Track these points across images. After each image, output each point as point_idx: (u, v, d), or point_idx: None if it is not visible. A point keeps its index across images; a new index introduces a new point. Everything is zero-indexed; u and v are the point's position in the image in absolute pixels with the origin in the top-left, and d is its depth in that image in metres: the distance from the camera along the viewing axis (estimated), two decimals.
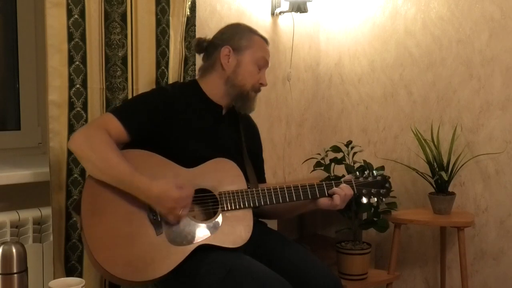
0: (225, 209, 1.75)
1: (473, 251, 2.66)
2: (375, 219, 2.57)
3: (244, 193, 1.78)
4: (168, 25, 2.13)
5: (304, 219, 3.17)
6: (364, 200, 1.91)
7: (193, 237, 1.68)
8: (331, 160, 2.54)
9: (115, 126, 1.73)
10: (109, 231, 1.63)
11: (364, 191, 1.89)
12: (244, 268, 1.63)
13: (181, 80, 2.21)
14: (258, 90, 1.96)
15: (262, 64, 1.93)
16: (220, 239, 1.70)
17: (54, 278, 1.87)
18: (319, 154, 2.60)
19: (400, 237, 2.61)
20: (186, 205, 1.66)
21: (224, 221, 1.74)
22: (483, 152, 2.61)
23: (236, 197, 1.77)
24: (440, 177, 2.49)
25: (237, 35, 1.91)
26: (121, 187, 1.66)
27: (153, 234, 1.66)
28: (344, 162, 2.52)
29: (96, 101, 1.99)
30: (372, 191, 1.90)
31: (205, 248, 1.68)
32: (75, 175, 1.94)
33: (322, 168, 2.55)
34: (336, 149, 2.57)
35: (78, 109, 1.95)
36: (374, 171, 1.97)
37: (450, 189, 2.55)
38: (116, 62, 2.03)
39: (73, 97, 1.94)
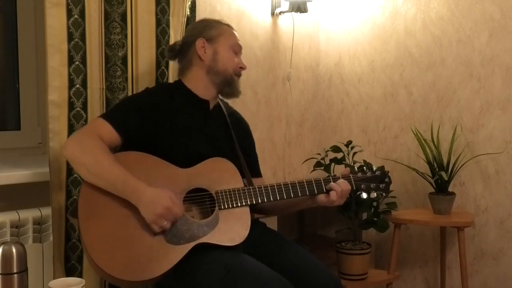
0: (222, 207, 1.75)
1: (473, 251, 2.66)
2: (375, 219, 2.57)
3: (241, 191, 1.79)
4: (168, 25, 2.13)
5: (304, 219, 3.17)
6: (364, 195, 1.89)
7: (191, 236, 1.68)
8: (331, 160, 2.54)
9: (107, 130, 1.75)
10: (107, 233, 1.64)
11: (363, 186, 1.88)
12: (244, 267, 1.63)
13: None
14: (239, 74, 2.00)
15: (237, 49, 1.97)
16: (218, 237, 1.70)
17: (54, 278, 1.87)
18: (319, 154, 2.60)
19: (400, 237, 2.61)
20: (172, 218, 1.66)
21: (222, 220, 1.74)
22: (483, 152, 2.61)
23: (233, 195, 1.77)
24: (440, 177, 2.49)
25: (206, 27, 1.96)
26: (114, 190, 1.66)
27: (150, 235, 1.66)
28: (344, 162, 2.52)
29: (96, 101, 1.99)
30: (372, 186, 1.89)
31: (204, 247, 1.69)
32: (75, 175, 1.94)
33: (322, 168, 2.55)
34: (336, 149, 2.58)
35: (78, 109, 1.96)
36: (373, 166, 1.95)
37: (450, 189, 2.55)
38: (116, 62, 2.03)
39: (73, 97, 1.94)
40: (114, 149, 1.79)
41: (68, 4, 1.90)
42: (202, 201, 1.78)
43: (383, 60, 2.95)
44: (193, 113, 1.91)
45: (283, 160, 3.02)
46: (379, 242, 2.99)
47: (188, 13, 2.23)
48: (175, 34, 2.16)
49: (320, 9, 3.15)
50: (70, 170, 1.93)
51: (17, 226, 1.94)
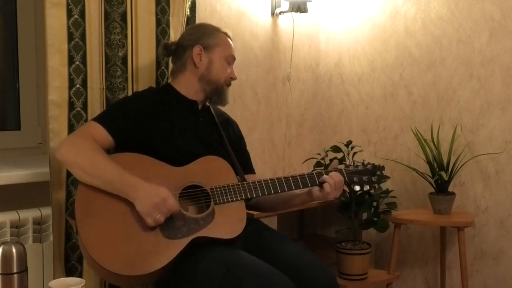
0: (218, 202, 1.77)
1: (473, 251, 2.66)
2: (375, 219, 2.57)
3: (236, 186, 1.81)
4: (168, 25, 2.14)
5: (304, 219, 3.17)
6: (357, 187, 1.91)
7: (188, 231, 1.70)
8: (331, 160, 2.53)
9: (100, 132, 1.77)
10: (104, 231, 1.65)
11: (355, 178, 1.90)
12: (244, 264, 1.64)
13: None
14: (229, 84, 2.02)
15: (231, 60, 2.01)
16: (215, 231, 1.72)
17: (54, 278, 1.87)
18: (319, 154, 2.60)
19: (400, 237, 2.61)
20: (166, 211, 1.66)
21: (218, 214, 1.76)
22: (483, 152, 2.61)
23: (227, 191, 1.79)
24: (440, 177, 2.49)
25: (205, 34, 1.98)
26: (112, 189, 1.67)
27: (147, 230, 1.67)
28: (344, 162, 2.51)
29: (96, 101, 2.00)
30: (364, 179, 1.91)
31: (202, 244, 1.70)
32: None
33: (322, 168, 2.55)
34: (336, 149, 2.57)
35: (78, 109, 1.96)
36: (365, 161, 1.96)
37: (450, 189, 2.55)
38: (116, 62, 2.03)
39: (73, 97, 1.94)
40: (108, 152, 1.81)
41: (68, 4, 1.90)
42: (198, 197, 1.79)
43: (383, 60, 2.95)
44: (184, 113, 1.94)
45: (283, 160, 3.02)
46: (379, 242, 2.99)
47: (188, 13, 2.23)
48: (175, 34, 2.16)
49: (320, 9, 3.15)
50: None
51: (17, 226, 1.94)
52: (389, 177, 2.51)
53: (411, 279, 2.91)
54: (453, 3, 2.68)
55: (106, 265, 1.60)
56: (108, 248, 1.62)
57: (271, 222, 2.35)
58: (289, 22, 2.96)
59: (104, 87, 2.02)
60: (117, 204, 1.68)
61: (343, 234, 2.69)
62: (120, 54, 2.03)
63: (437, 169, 2.53)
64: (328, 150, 2.59)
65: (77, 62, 1.94)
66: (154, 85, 2.11)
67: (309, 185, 1.87)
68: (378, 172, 1.94)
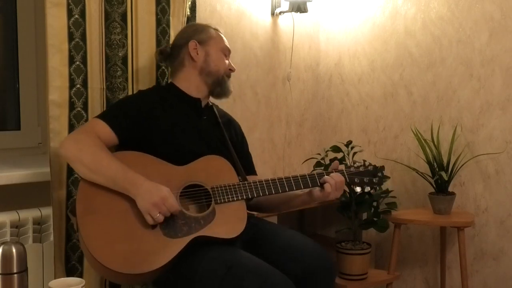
0: (218, 202, 1.77)
1: (473, 251, 2.67)
2: (375, 219, 2.57)
3: (236, 186, 1.82)
4: (168, 25, 2.14)
5: (304, 219, 3.18)
6: (358, 189, 1.92)
7: (188, 230, 1.70)
8: (331, 160, 2.53)
9: (104, 129, 1.78)
10: (105, 228, 1.65)
11: (356, 179, 1.91)
12: (245, 264, 1.64)
13: None
14: (229, 76, 2.05)
15: (227, 52, 2.04)
16: (215, 230, 1.72)
17: (54, 278, 1.87)
18: (319, 154, 2.60)
19: (400, 237, 2.61)
20: (165, 210, 1.66)
21: (218, 214, 1.76)
22: (483, 152, 2.61)
23: (228, 190, 1.80)
24: (440, 177, 2.49)
25: (197, 30, 2.02)
26: (114, 186, 1.68)
27: (148, 229, 1.67)
28: (344, 162, 2.52)
29: (96, 101, 2.00)
30: (365, 180, 1.92)
31: (202, 244, 1.70)
32: (76, 175, 1.94)
33: (322, 168, 2.55)
34: (336, 149, 2.58)
35: (79, 109, 1.96)
36: (366, 162, 1.97)
37: (450, 189, 2.55)
38: (117, 62, 2.03)
39: (73, 97, 1.94)
40: (111, 149, 1.80)
41: (68, 4, 1.90)
42: (198, 196, 1.80)
43: (383, 60, 2.95)
44: (187, 111, 1.95)
45: (283, 160, 3.02)
46: (379, 242, 2.99)
47: (188, 13, 2.23)
48: (175, 34, 2.15)
49: (320, 9, 3.15)
50: (70, 170, 1.93)
51: (17, 226, 1.94)
52: (389, 177, 2.51)
53: (411, 279, 2.91)
54: (453, 3, 2.68)
55: (106, 263, 1.60)
56: (109, 246, 1.62)
57: (271, 221, 2.35)
58: (289, 22, 2.96)
59: (105, 87, 2.02)
60: (118, 202, 1.68)
61: (343, 234, 2.69)
62: (120, 54, 2.03)
63: (437, 169, 2.53)
64: (328, 150, 2.59)
65: (77, 62, 1.94)
66: (154, 85, 2.11)
67: (310, 185, 1.87)
68: (379, 174, 1.94)
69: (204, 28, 2.04)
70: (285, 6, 2.85)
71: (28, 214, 1.96)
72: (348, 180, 1.90)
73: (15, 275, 1.50)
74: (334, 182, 1.84)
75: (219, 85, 2.00)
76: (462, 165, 2.57)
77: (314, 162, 2.59)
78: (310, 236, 3.09)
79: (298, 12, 2.82)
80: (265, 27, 2.86)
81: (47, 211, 1.97)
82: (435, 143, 2.58)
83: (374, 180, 1.93)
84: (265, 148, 2.92)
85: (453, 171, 2.53)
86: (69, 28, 1.91)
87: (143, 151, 1.80)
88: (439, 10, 2.73)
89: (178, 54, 2.00)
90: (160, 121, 1.86)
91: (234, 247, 1.74)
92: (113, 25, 2.01)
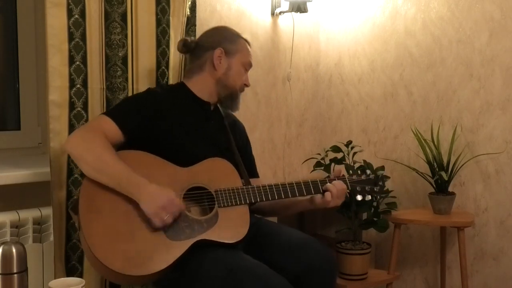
0: (221, 205, 1.77)
1: (473, 251, 2.66)
2: (375, 219, 2.57)
3: (240, 190, 1.81)
4: (168, 25, 2.13)
5: (304, 219, 3.17)
6: (359, 197, 1.93)
7: (191, 233, 1.70)
8: (331, 160, 2.54)
9: (111, 127, 1.77)
10: (107, 228, 1.65)
11: (358, 188, 1.93)
12: (246, 267, 1.64)
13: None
14: (242, 90, 2.04)
15: (248, 67, 2.03)
16: (218, 234, 1.72)
17: (54, 278, 1.87)
18: (319, 154, 2.60)
19: (400, 237, 2.61)
20: (173, 212, 1.67)
21: (221, 217, 1.75)
22: (483, 152, 2.61)
23: (231, 194, 1.79)
24: (440, 177, 2.49)
25: (227, 39, 1.99)
26: (117, 187, 1.67)
27: (151, 230, 1.67)
28: (344, 162, 2.52)
29: (96, 101, 2.00)
30: (366, 189, 1.93)
31: (204, 246, 1.69)
32: (76, 175, 1.94)
33: (322, 168, 2.55)
34: (336, 149, 2.58)
35: (79, 109, 1.96)
36: (367, 170, 1.98)
37: (450, 189, 2.55)
38: (117, 62, 2.03)
39: (73, 97, 1.94)
40: (116, 148, 1.80)
41: (68, 4, 1.90)
42: (201, 199, 1.79)
43: (383, 60, 2.95)
44: (195, 114, 1.94)
45: (283, 160, 3.02)
46: (379, 242, 2.99)
47: (188, 13, 2.23)
48: (175, 34, 2.16)
49: (320, 9, 3.15)
50: (70, 170, 1.94)
51: (17, 226, 1.94)
52: (389, 177, 2.51)
53: (411, 279, 2.91)
54: (453, 3, 2.68)
55: (108, 264, 1.59)
56: (110, 247, 1.62)
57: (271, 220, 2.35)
58: (289, 22, 2.96)
59: (105, 87, 2.02)
60: (121, 202, 1.68)
61: (343, 234, 2.69)
62: (120, 54, 2.03)
63: (437, 169, 2.53)
64: (328, 150, 2.59)
65: (77, 62, 1.94)
66: (154, 85, 2.11)
67: (313, 192, 1.88)
68: (381, 182, 1.96)
69: (234, 37, 2.00)
70: (285, 6, 2.85)
71: (28, 214, 1.96)
72: (349, 188, 1.91)
73: (15, 275, 1.50)
74: (336, 190, 1.85)
75: (230, 98, 1.99)
76: (462, 165, 2.57)
77: (314, 162, 2.59)
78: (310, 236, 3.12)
79: (298, 12, 2.82)
80: (265, 27, 2.86)
81: (47, 211, 1.97)
82: (435, 143, 2.58)
83: (375, 189, 1.94)
84: (265, 148, 2.92)
85: (453, 171, 2.53)
86: (69, 28, 1.91)
87: (148, 150, 1.79)
88: (439, 10, 2.73)
89: (201, 55, 1.98)
90: (167, 121, 1.85)
91: (236, 249, 1.74)
92: (113, 25, 2.01)
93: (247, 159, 2.07)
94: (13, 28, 2.27)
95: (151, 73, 2.12)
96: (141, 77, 2.10)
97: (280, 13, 2.89)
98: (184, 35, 2.20)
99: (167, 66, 2.15)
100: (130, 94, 2.07)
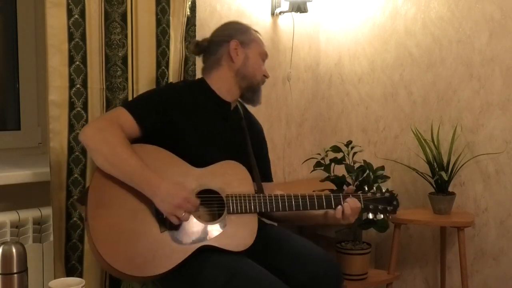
0: (231, 211, 1.74)
1: (473, 251, 2.66)
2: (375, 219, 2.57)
3: (251, 198, 1.78)
4: (168, 25, 2.13)
5: None
6: (370, 215, 1.90)
7: (197, 238, 1.68)
8: (331, 160, 2.53)
9: (128, 120, 1.74)
10: (114, 224, 1.64)
11: (371, 206, 1.89)
12: (247, 273, 1.63)
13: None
14: (263, 82, 2.01)
15: (264, 57, 2.01)
16: (224, 241, 1.70)
17: (54, 278, 1.87)
18: (319, 154, 2.60)
19: (400, 237, 2.61)
20: (190, 209, 1.65)
21: (229, 224, 1.73)
22: (483, 152, 2.61)
23: (242, 201, 1.76)
24: (440, 177, 2.49)
25: (239, 30, 1.97)
26: (130, 182, 1.65)
27: (156, 231, 1.66)
28: (344, 162, 2.51)
29: (96, 101, 1.99)
30: (379, 208, 1.89)
31: (207, 250, 1.68)
32: (76, 175, 1.94)
33: (322, 168, 2.55)
34: (336, 149, 2.57)
35: (79, 109, 1.95)
36: (383, 188, 1.96)
37: (450, 189, 2.55)
38: (116, 62, 2.03)
39: (73, 97, 1.94)
40: (132, 141, 1.76)
41: (68, 4, 1.90)
42: (211, 202, 1.77)
43: (383, 60, 2.95)
44: (213, 114, 1.91)
45: (283, 160, 3.02)
46: (379, 242, 2.98)
47: (188, 13, 2.23)
48: (175, 34, 2.16)
49: (320, 9, 3.15)
50: (70, 170, 1.93)
51: (17, 226, 1.94)
52: (389, 177, 2.51)
53: (411, 279, 2.91)
54: (453, 3, 2.68)
55: (110, 261, 1.59)
56: (114, 244, 1.61)
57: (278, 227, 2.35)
58: (289, 22, 2.96)
59: (104, 87, 2.01)
60: (130, 199, 1.66)
61: (343, 234, 2.69)
62: (120, 54, 2.03)
63: (437, 169, 2.53)
64: (328, 150, 2.59)
65: (77, 62, 1.93)
66: (154, 85, 2.11)
67: (325, 207, 1.85)
68: (395, 202, 1.92)
69: (246, 28, 1.99)
70: (285, 6, 2.85)
71: (28, 214, 1.96)
72: (363, 206, 1.87)
73: (15, 275, 1.50)
74: (350, 209, 1.83)
75: (251, 90, 1.96)
76: (462, 165, 2.57)
77: (314, 162, 2.59)
78: (310, 236, 3.12)
79: (298, 12, 2.82)
80: (265, 27, 2.86)
81: (47, 211, 1.97)
82: (435, 143, 2.58)
83: (388, 208, 1.90)
84: None
85: (453, 171, 2.53)
86: (69, 28, 1.90)
87: (163, 146, 1.77)
88: (439, 10, 2.73)
89: (216, 51, 1.95)
90: (185, 119, 1.82)
91: (239, 254, 1.71)
92: (113, 25, 2.01)
93: (262, 162, 2.02)
94: (13, 28, 2.27)
95: (151, 73, 2.12)
96: (141, 77, 2.09)
97: (280, 13, 2.89)
98: (184, 35, 2.20)
99: (167, 66, 2.15)
100: (129, 94, 2.06)
